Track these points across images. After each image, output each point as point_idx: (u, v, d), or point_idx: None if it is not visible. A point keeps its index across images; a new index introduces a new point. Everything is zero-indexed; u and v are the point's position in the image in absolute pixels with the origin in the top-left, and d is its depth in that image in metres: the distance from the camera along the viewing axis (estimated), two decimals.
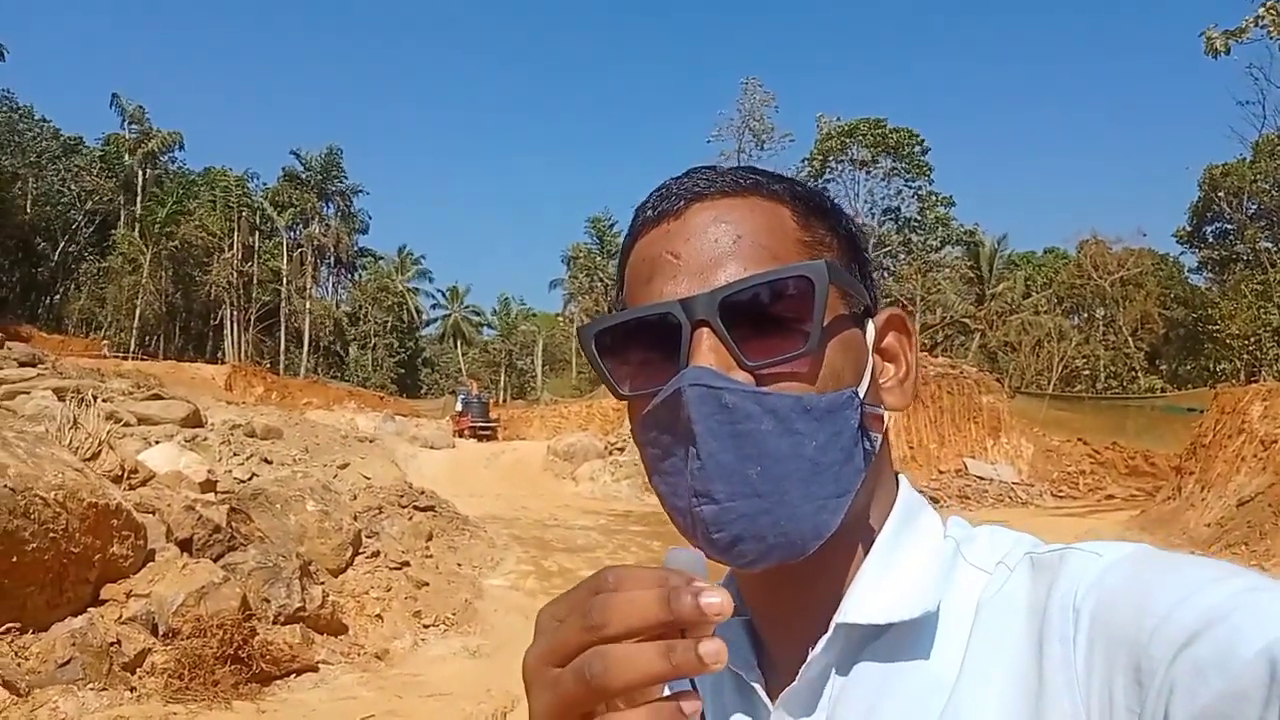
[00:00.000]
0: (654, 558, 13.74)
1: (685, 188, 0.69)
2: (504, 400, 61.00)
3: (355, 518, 9.44)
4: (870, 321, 0.70)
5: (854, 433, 0.63)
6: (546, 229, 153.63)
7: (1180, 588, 0.52)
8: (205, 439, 18.20)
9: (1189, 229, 39.76)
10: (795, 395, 0.62)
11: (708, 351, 0.61)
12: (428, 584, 8.87)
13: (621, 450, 28.90)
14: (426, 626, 8.12)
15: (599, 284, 59.61)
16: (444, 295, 73.93)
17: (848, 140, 47.42)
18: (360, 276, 68.74)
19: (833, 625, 0.64)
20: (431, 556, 11.10)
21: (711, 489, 0.60)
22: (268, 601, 6.82)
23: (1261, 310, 20.76)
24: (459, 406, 42.21)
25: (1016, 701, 0.57)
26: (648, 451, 0.66)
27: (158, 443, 13.45)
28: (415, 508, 12.89)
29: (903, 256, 48.78)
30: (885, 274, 48.66)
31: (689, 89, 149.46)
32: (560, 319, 68.34)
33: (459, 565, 11.38)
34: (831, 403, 0.62)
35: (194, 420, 19.38)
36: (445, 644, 7.83)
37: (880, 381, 0.70)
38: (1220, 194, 32.21)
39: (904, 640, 0.63)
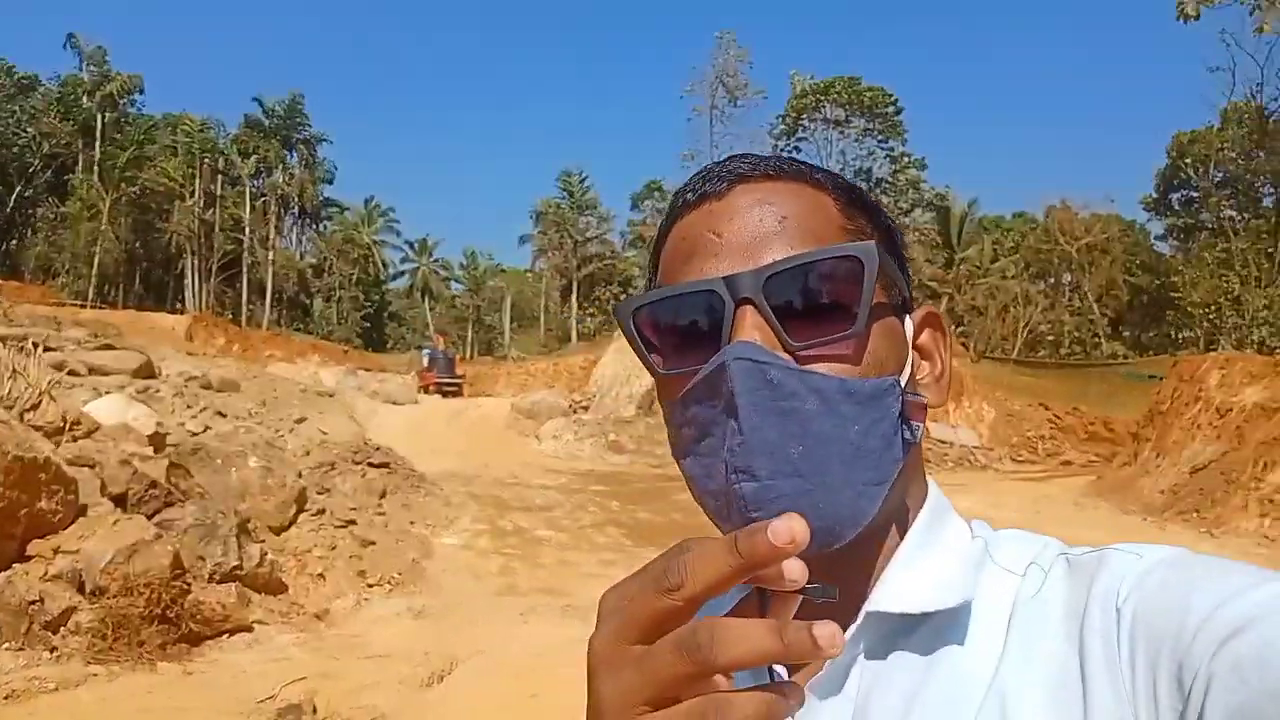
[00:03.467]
0: (613, 518, 13.69)
1: (728, 170, 0.68)
2: (471, 356, 60.65)
3: (301, 474, 9.23)
4: (908, 316, 0.69)
5: (895, 420, 0.62)
6: (517, 183, 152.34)
7: (1222, 589, 0.52)
8: (158, 391, 17.83)
9: (1155, 196, 40.02)
10: (840, 377, 0.61)
11: (751, 329, 0.60)
12: (374, 543, 8.70)
13: (586, 409, 28.80)
14: (371, 586, 7.97)
15: (569, 240, 59.21)
16: (412, 248, 73.00)
17: (821, 98, 47.19)
18: (325, 228, 67.68)
19: (862, 613, 0.63)
20: (384, 514, 10.95)
21: (753, 465, 0.58)
22: (202, 560, 6.62)
23: (1222, 279, 20.91)
24: (424, 362, 42.00)
25: (1059, 695, 0.56)
26: (683, 432, 0.65)
27: (108, 394, 13.16)
28: (370, 464, 12.70)
29: None
30: None
31: (663, 40, 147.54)
32: (529, 274, 67.85)
33: (411, 523, 11.23)
34: (875, 388, 0.61)
35: (147, 371, 18.96)
36: (389, 604, 7.69)
37: (917, 378, 0.69)
38: (1187, 161, 32.41)
39: (940, 633, 0.63)
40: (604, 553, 10.83)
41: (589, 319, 59.75)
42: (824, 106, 47.39)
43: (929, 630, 0.63)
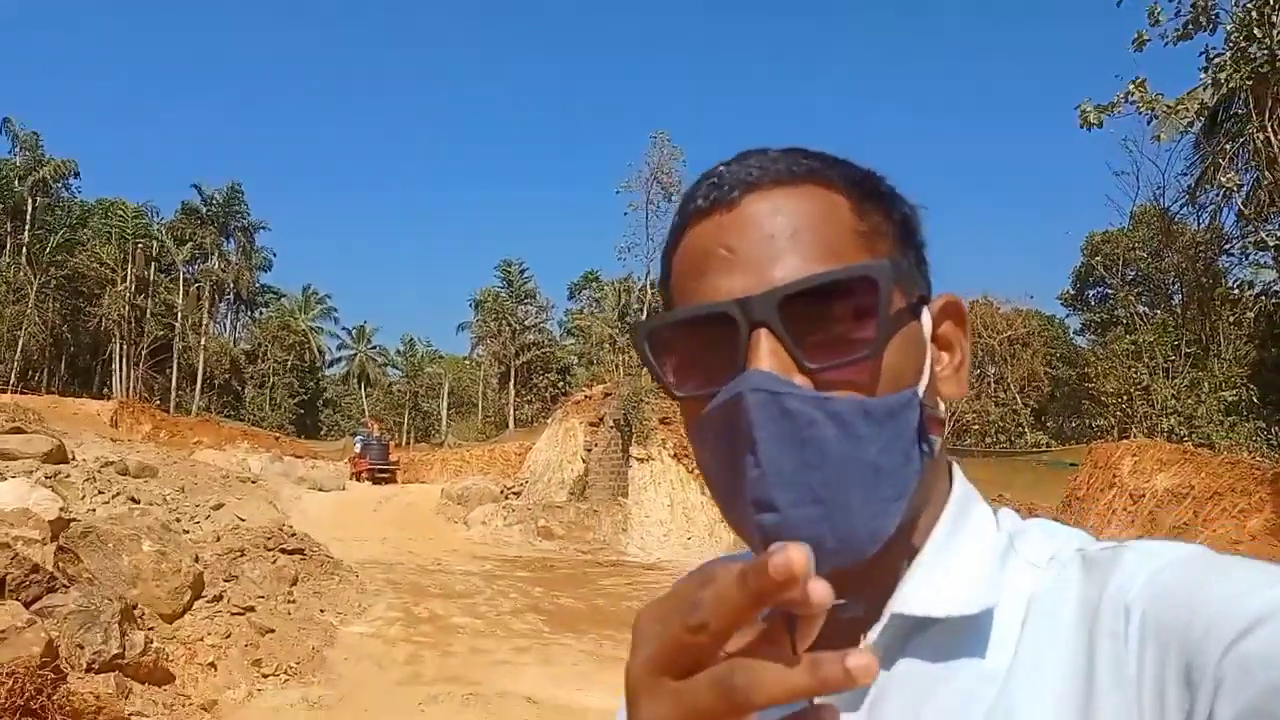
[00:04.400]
0: (534, 604, 13.45)
1: (738, 176, 0.66)
2: (408, 443, 59.78)
3: (198, 559, 8.93)
4: (926, 309, 0.67)
5: (913, 434, 0.61)
6: (455, 271, 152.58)
7: (1233, 588, 0.52)
8: (68, 476, 17.30)
9: (1072, 292, 41.73)
10: (858, 398, 0.59)
11: (767, 354, 0.59)
12: (273, 630, 8.42)
13: (518, 494, 28.47)
14: (265, 676, 7.69)
15: (507, 328, 59.25)
16: (350, 335, 72.45)
17: None
18: (262, 314, 66.94)
19: (887, 614, 0.63)
20: (293, 602, 10.63)
21: (773, 497, 0.57)
22: (81, 648, 6.35)
23: (1132, 369, 21.69)
24: (358, 448, 41.35)
25: (1068, 696, 0.56)
26: (703, 456, 0.64)
27: (12, 478, 12.70)
28: (282, 550, 12.36)
29: None
30: None
31: (600, 135, 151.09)
32: (468, 361, 67.54)
33: (321, 611, 10.91)
34: (893, 405, 0.60)
35: (58, 456, 18.39)
36: (283, 694, 7.42)
37: (937, 370, 0.68)
38: (1099, 260, 33.90)
39: (954, 633, 0.62)
40: (518, 639, 10.62)
41: (526, 405, 59.50)
42: None
43: (943, 632, 0.63)
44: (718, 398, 0.60)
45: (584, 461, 27.55)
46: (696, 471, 24.40)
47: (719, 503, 0.64)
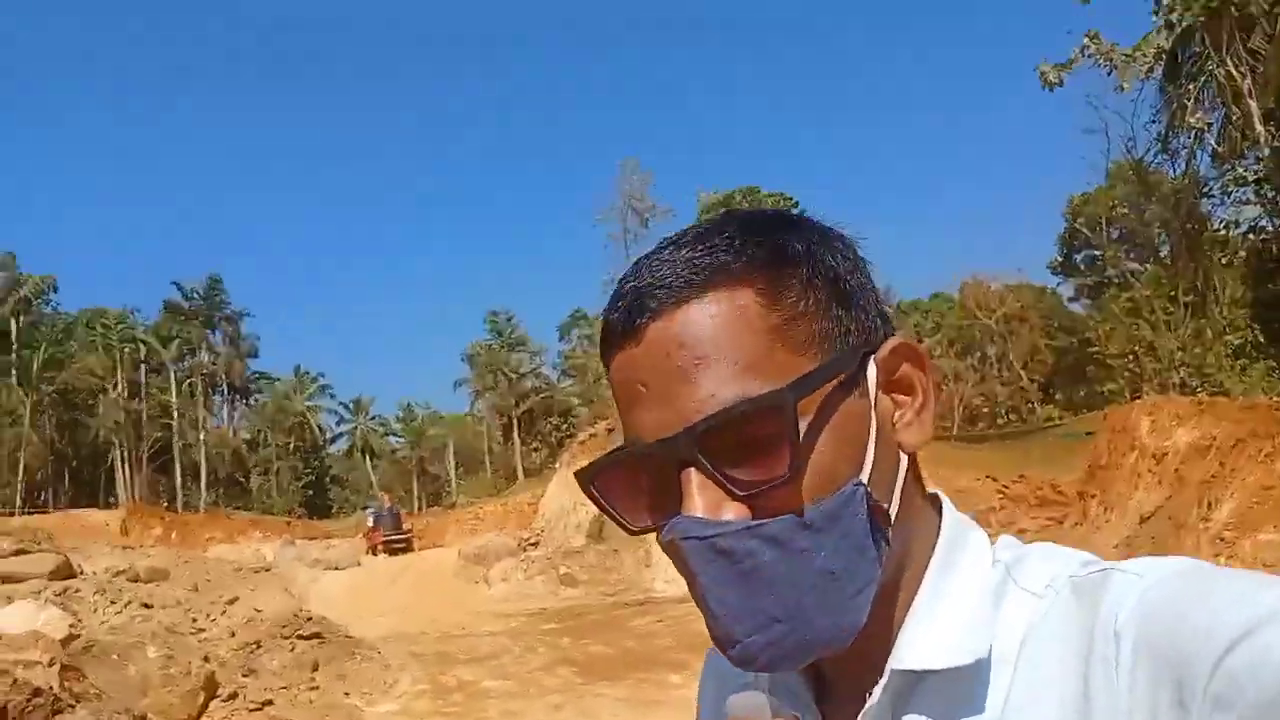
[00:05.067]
0: (564, 656, 13.06)
1: (639, 302, 0.65)
2: (419, 509, 59.26)
3: (207, 659, 8.59)
4: (872, 361, 0.66)
5: (863, 527, 0.62)
6: (444, 329, 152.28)
7: (1218, 603, 0.53)
8: (78, 590, 16.94)
9: (1060, 259, 41.61)
10: (790, 516, 0.61)
11: (696, 492, 0.61)
12: None
13: (535, 545, 28.05)
14: None
15: (503, 379, 59.03)
16: (347, 409, 72.16)
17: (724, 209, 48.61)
18: (256, 401, 66.69)
19: (888, 671, 0.64)
20: (317, 688, 10.29)
21: (731, 632, 0.61)
22: None
23: (1133, 328, 21.44)
24: (370, 521, 40.93)
25: None
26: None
27: (21, 601, 12.38)
28: (299, 637, 11.99)
29: None
30: None
31: (574, 173, 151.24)
32: (469, 418, 67.23)
33: (345, 695, 10.55)
34: (832, 509, 0.61)
35: (64, 571, 17.97)
36: None
37: (895, 420, 0.67)
38: (1083, 222, 33.80)
39: (953, 681, 0.63)
40: (552, 695, 10.24)
41: (534, 454, 59.14)
42: None
43: (944, 678, 0.63)
44: (662, 535, 0.63)
45: None
46: None
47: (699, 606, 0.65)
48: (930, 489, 0.73)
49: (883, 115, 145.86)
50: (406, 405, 72.73)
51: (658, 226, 47.48)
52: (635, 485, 0.67)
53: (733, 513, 0.61)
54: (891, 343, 0.68)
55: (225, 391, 65.15)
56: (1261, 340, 17.66)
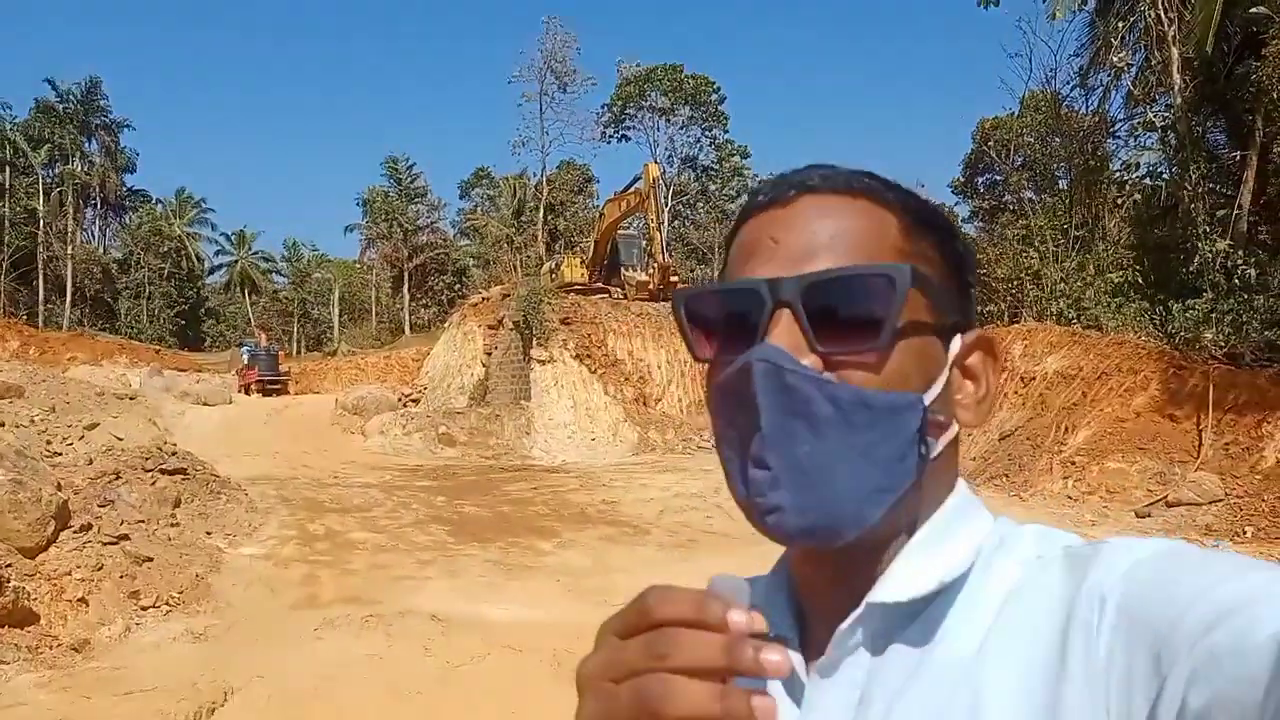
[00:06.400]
0: (436, 515, 13.06)
1: (799, 180, 0.71)
2: (298, 352, 57.77)
3: (60, 486, 8.19)
4: (959, 337, 0.71)
5: (911, 435, 0.65)
6: (339, 170, 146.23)
7: (1204, 580, 0.54)
8: None
9: (962, 179, 42.33)
10: (858, 388, 0.64)
11: (783, 332, 0.65)
12: (152, 559, 7.84)
13: (416, 402, 27.79)
14: (144, 609, 7.15)
15: (398, 229, 57.17)
16: (229, 240, 68.79)
17: (646, 86, 47.42)
18: (131, 220, 62.77)
19: (864, 603, 0.66)
20: (176, 526, 10.00)
21: (766, 457, 0.63)
22: None
23: (1023, 255, 22.08)
24: (245, 359, 40.09)
25: (1034, 686, 0.59)
26: (716, 419, 0.70)
27: None
28: (162, 471, 11.57)
29: (701, 206, 49.50)
30: (685, 222, 49.23)
31: (487, 23, 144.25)
32: (358, 265, 65.16)
33: (207, 534, 10.31)
34: (894, 402, 0.65)
35: None
36: (165, 628, 6.91)
37: (958, 397, 0.72)
38: (990, 146, 34.31)
39: (933, 624, 0.66)
40: (422, 553, 10.25)
41: (422, 310, 58.01)
42: (649, 94, 47.68)
43: (926, 620, 0.66)
44: (733, 365, 0.66)
45: (484, 365, 26.99)
46: (600, 371, 24.14)
47: (722, 462, 0.69)
48: (956, 475, 0.75)
49: (815, 14, 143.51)
50: (293, 244, 69.79)
51: (577, 93, 46.04)
52: (718, 320, 0.70)
53: (808, 362, 0.64)
54: (978, 331, 0.73)
55: (98, 205, 61.08)
56: (1140, 282, 18.43)
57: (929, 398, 0.67)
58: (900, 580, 0.67)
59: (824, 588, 0.72)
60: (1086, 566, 0.61)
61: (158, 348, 49.29)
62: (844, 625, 0.66)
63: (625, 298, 27.29)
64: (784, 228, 0.69)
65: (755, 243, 0.70)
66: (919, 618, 0.66)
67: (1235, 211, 16.88)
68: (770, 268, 0.67)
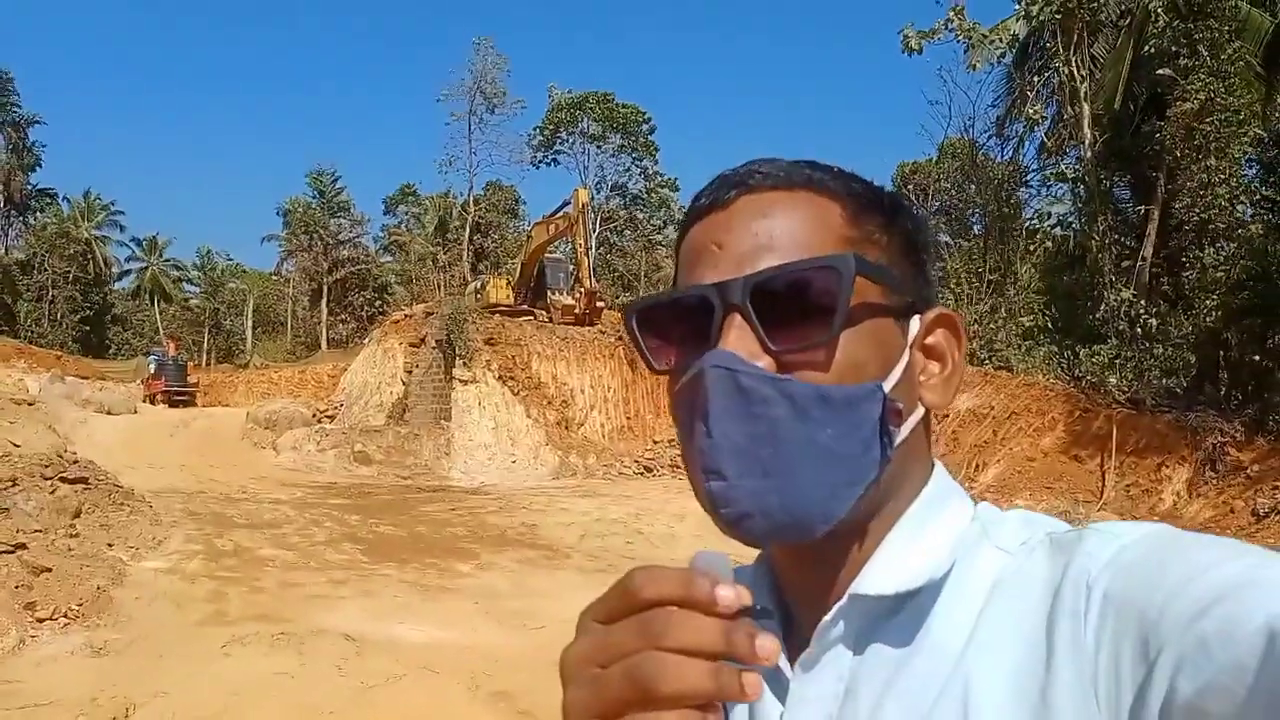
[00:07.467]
0: (350, 533, 12.78)
1: (738, 179, 0.71)
2: (208, 363, 56.05)
3: None
4: (917, 318, 0.71)
5: (874, 425, 0.65)
6: (258, 180, 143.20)
7: (1192, 566, 0.53)
8: None
9: None
10: (816, 385, 0.64)
11: (735, 336, 0.64)
12: (49, 570, 7.51)
13: (331, 418, 27.21)
14: (41, 621, 6.84)
15: (319, 242, 56.06)
16: (139, 246, 66.57)
17: (578, 112, 47.65)
18: (36, 220, 60.26)
19: (847, 595, 0.66)
20: (76, 536, 9.63)
21: (721, 466, 0.63)
22: None
23: (939, 297, 22.78)
24: (151, 369, 38.93)
25: (1023, 673, 0.59)
26: (678, 428, 0.70)
27: None
28: (62, 479, 11.12)
29: (628, 233, 49.75)
30: (613, 250, 49.40)
31: (419, 41, 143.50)
32: (274, 277, 63.62)
33: (109, 546, 9.94)
34: (852, 395, 0.64)
35: None
36: (63, 641, 6.62)
37: (921, 379, 0.71)
38: (909, 190, 35.45)
39: (919, 615, 0.65)
40: (335, 571, 10.03)
41: (341, 325, 56.84)
42: (581, 120, 47.92)
43: (912, 611, 0.65)
44: (687, 373, 0.66)
45: (404, 384, 26.59)
46: (522, 394, 23.95)
47: (687, 473, 0.68)
48: (930, 460, 0.75)
49: (746, 43, 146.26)
50: (207, 252, 67.90)
51: (506, 115, 45.94)
52: (671, 329, 0.70)
53: (763, 364, 0.64)
54: (937, 310, 0.72)
55: (1, 204, 58.57)
56: (1049, 327, 19.16)
57: (889, 384, 0.66)
58: (883, 571, 0.66)
59: (805, 578, 0.72)
60: (1072, 553, 0.60)
61: (59, 353, 47.26)
62: (827, 617, 0.66)
63: (551, 321, 27.26)
64: (725, 230, 0.69)
65: (700, 248, 0.70)
66: (905, 608, 0.66)
67: (1139, 263, 17.72)
68: (716, 273, 0.67)
